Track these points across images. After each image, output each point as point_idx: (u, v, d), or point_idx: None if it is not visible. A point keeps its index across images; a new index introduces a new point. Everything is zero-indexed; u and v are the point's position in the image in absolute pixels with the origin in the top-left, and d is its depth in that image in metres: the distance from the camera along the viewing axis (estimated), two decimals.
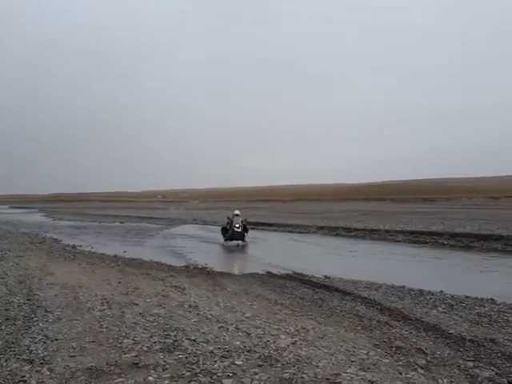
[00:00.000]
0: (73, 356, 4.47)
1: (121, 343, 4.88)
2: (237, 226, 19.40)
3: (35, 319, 5.86)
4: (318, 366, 4.30)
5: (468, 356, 5.07)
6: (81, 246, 18.62)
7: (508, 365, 4.76)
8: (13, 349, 4.66)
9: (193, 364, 4.25)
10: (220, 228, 21.61)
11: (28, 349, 4.66)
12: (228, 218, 20.32)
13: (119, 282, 9.02)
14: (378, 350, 5.18)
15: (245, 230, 20.01)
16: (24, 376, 3.92)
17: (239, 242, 19.49)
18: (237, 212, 20.17)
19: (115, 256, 14.86)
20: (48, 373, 4.02)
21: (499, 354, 5.10)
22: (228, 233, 19.78)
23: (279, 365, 4.30)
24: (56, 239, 21.53)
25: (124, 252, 16.45)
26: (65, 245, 18.62)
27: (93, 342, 4.94)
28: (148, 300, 7.30)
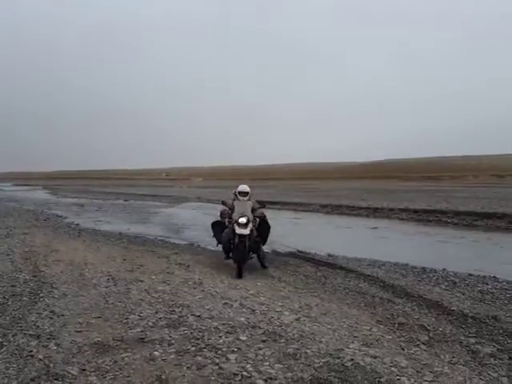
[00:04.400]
0: (79, 331, 4.53)
1: (126, 319, 4.95)
2: (242, 220, 8.46)
3: (41, 295, 5.93)
4: (321, 342, 4.35)
5: (470, 332, 5.11)
6: (85, 223, 18.72)
7: (510, 341, 4.79)
8: (20, 324, 4.73)
9: (198, 339, 4.31)
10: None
11: (35, 324, 4.73)
12: (224, 204, 9.37)
13: (124, 259, 9.09)
14: (381, 326, 5.22)
15: (258, 232, 8.99)
16: (31, 351, 3.98)
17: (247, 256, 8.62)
18: (244, 188, 9.10)
19: (120, 233, 14.94)
20: (55, 347, 4.08)
21: (501, 331, 5.13)
22: (224, 234, 8.88)
23: (283, 340, 4.35)
24: (60, 216, 21.62)
25: (128, 229, 16.55)
26: (69, 222, 18.72)
27: (99, 317, 5.01)
28: (153, 277, 7.37)
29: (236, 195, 9.01)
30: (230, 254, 8.67)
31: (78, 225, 17.77)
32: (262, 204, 9.27)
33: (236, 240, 8.23)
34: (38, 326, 4.67)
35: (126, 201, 37.91)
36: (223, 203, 9.26)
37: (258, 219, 8.98)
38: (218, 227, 9.41)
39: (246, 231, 8.24)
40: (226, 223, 8.95)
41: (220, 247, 9.19)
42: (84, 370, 3.61)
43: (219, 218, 9.45)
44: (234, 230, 8.35)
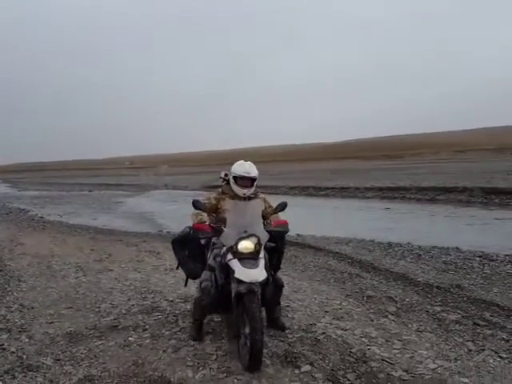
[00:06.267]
0: (51, 323, 4.46)
1: (99, 308, 4.90)
2: (247, 246, 3.50)
3: (9, 289, 5.77)
4: (293, 318, 4.46)
5: (435, 302, 5.35)
6: (49, 215, 18.20)
7: (473, 308, 5.06)
8: None
9: (172, 323, 4.33)
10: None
11: (4, 318, 4.62)
12: (198, 208, 3.85)
13: (92, 250, 8.93)
14: (351, 300, 5.39)
15: (275, 253, 4.03)
16: (3, 344, 3.90)
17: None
18: (249, 169, 4.00)
19: (86, 224, 14.64)
20: (27, 340, 4.01)
21: (465, 299, 5.41)
22: (204, 276, 3.80)
23: None
24: (23, 209, 20.94)
25: (95, 220, 16.24)
26: (33, 215, 18.17)
27: (70, 308, 4.94)
28: (123, 265, 7.29)
29: (224, 180, 4.28)
30: (217, 316, 4.34)
31: (42, 217, 17.26)
32: (282, 204, 4.12)
33: (236, 287, 3.43)
34: (8, 320, 4.56)
35: (90, 191, 37.05)
36: (196, 206, 3.85)
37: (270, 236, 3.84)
38: (185, 249, 4.25)
39: (259, 274, 3.46)
40: (203, 241, 4.09)
41: (192, 287, 4.74)
42: (58, 359, 3.58)
43: (186, 229, 4.27)
44: (226, 267, 3.60)
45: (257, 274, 3.42)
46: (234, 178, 4.01)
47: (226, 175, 4.24)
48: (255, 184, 4.08)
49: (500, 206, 16.11)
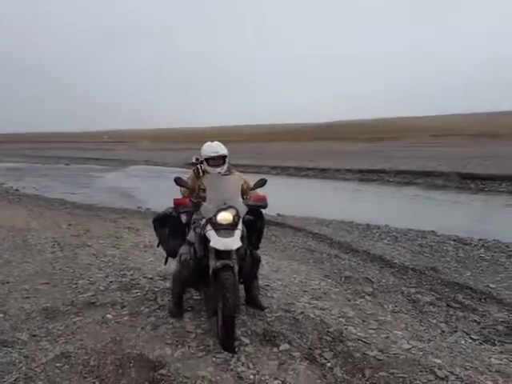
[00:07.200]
0: (26, 298, 4.39)
1: (76, 284, 4.84)
2: (225, 217, 3.56)
3: None
4: (273, 297, 4.49)
5: (411, 283, 5.50)
6: (25, 188, 17.78)
7: (447, 290, 5.23)
8: None
9: (151, 301, 4.30)
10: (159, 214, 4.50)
11: None
12: (180, 185, 4.03)
13: (70, 225, 8.79)
14: (329, 280, 5.48)
15: (254, 231, 4.09)
16: None
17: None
18: (216, 148, 4.12)
19: (63, 199, 14.37)
20: (1, 315, 3.93)
21: (439, 281, 5.57)
22: (182, 250, 3.91)
23: None
24: None
25: (72, 194, 15.95)
26: (8, 187, 17.73)
27: (46, 283, 4.85)
28: (101, 241, 7.20)
29: (200, 166, 4.20)
30: (197, 293, 4.40)
31: (17, 190, 16.86)
32: (261, 181, 4.08)
33: (213, 264, 3.48)
34: None
35: (67, 164, 36.25)
36: (178, 183, 3.99)
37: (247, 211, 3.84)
38: (166, 227, 4.29)
39: (234, 242, 3.51)
40: (184, 220, 4.22)
41: (172, 265, 4.39)
42: (34, 335, 3.53)
43: (169, 209, 4.25)
44: (204, 239, 3.63)
45: (231, 242, 3.46)
46: (206, 159, 4.11)
47: (197, 159, 4.37)
48: (227, 161, 4.19)
49: (476, 191, 16.51)
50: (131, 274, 5.20)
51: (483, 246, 7.66)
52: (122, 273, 5.27)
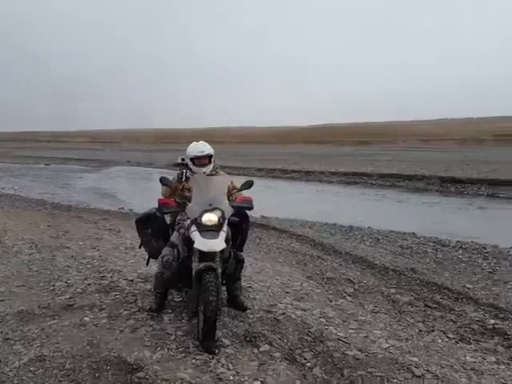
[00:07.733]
0: (1, 300, 4.26)
1: (53, 286, 4.72)
2: (209, 218, 3.51)
3: None
4: (255, 299, 4.48)
5: (391, 284, 5.55)
6: (3, 188, 17.41)
7: (425, 290, 5.29)
8: None
9: (131, 303, 4.24)
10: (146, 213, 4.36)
11: None
12: (165, 185, 3.97)
13: (48, 226, 8.62)
14: (311, 281, 5.49)
15: (239, 233, 4.04)
16: None
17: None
18: (202, 148, 4.10)
19: (42, 199, 14.10)
20: None
21: (418, 281, 5.63)
22: (165, 251, 3.86)
23: None
24: None
25: (52, 195, 15.67)
26: None
27: (22, 286, 4.73)
28: (80, 243, 7.06)
29: (184, 171, 4.13)
30: (179, 295, 4.40)
31: None
32: (247, 182, 4.02)
33: (196, 266, 3.44)
34: None
35: (47, 165, 35.47)
36: (163, 182, 3.94)
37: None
38: (149, 228, 4.22)
39: (218, 244, 3.46)
40: (169, 221, 4.27)
41: (154, 266, 4.44)
42: (8, 338, 3.43)
43: (152, 209, 4.18)
44: (188, 240, 3.57)
45: (216, 243, 3.42)
46: (191, 159, 4.08)
47: (183, 160, 4.29)
48: (213, 160, 4.17)
49: (455, 194, 16.84)
50: (111, 276, 5.11)
51: (461, 247, 7.79)
52: (101, 275, 5.18)
